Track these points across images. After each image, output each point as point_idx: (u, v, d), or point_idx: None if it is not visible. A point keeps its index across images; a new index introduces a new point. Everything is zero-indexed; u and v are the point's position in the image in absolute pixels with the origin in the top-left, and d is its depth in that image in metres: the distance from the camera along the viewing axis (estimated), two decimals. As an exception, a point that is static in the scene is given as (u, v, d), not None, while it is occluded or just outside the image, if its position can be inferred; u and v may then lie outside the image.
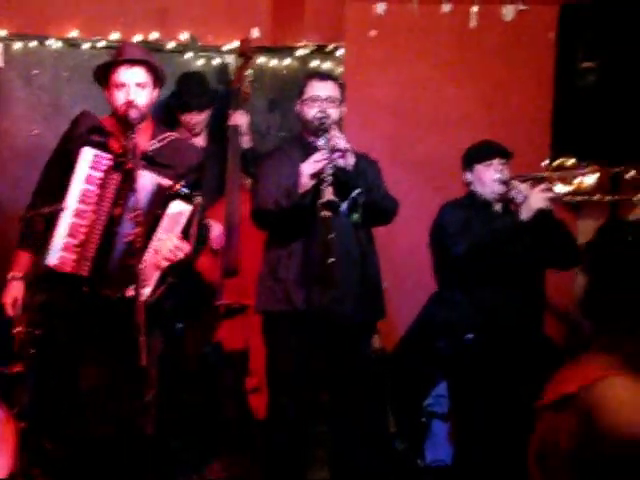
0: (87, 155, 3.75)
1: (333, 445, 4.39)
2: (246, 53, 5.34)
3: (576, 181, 4.51)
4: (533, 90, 5.48)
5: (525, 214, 4.27)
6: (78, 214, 3.76)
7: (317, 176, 3.98)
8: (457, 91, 5.58)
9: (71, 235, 3.76)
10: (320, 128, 4.12)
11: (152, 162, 3.84)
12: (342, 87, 4.34)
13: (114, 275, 3.77)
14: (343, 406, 4.33)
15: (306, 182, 4.02)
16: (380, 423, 3.80)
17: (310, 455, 4.64)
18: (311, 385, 4.33)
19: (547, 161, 4.52)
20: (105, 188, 3.76)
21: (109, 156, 3.76)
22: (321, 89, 4.26)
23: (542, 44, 5.39)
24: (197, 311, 5.02)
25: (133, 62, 3.83)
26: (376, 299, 4.33)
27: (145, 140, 3.90)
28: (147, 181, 3.73)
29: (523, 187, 4.37)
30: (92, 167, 3.75)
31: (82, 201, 3.76)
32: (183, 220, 3.77)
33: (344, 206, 4.01)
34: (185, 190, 3.77)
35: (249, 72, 5.30)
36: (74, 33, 5.39)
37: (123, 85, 3.81)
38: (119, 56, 3.87)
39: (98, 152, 3.76)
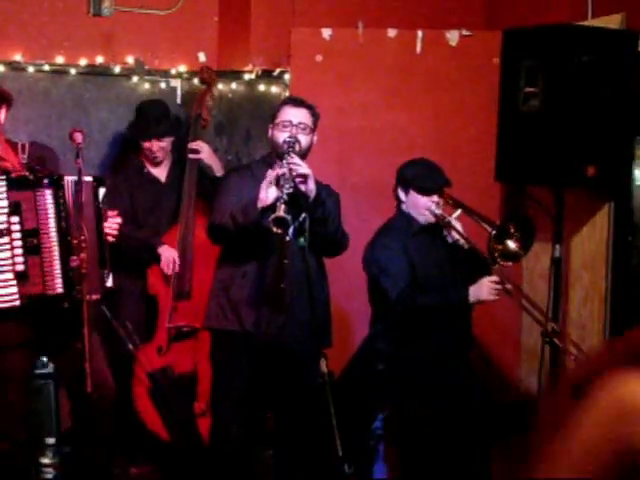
0: None
1: (278, 470, 4.38)
2: (206, 80, 5.34)
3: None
4: (478, 114, 5.54)
5: (472, 298, 4.37)
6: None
7: (276, 182, 3.97)
8: (403, 116, 5.62)
9: (4, 271, 3.86)
10: (287, 152, 4.10)
11: (34, 170, 3.95)
12: (316, 116, 4.32)
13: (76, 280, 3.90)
14: (288, 431, 4.33)
15: (264, 197, 3.99)
16: (327, 447, 3.78)
17: (258, 478, 4.64)
18: (256, 407, 4.33)
19: (494, 233, 4.45)
20: (35, 210, 3.86)
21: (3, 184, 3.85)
22: (293, 115, 4.25)
23: (487, 69, 5.45)
24: (151, 332, 5.08)
25: None
26: (323, 326, 4.33)
27: (13, 156, 4.01)
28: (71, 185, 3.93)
29: (455, 234, 4.47)
30: None
31: None
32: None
33: (291, 230, 4.01)
34: (102, 177, 4.10)
35: (210, 99, 5.31)
36: (18, 56, 5.36)
37: None
38: None
39: None
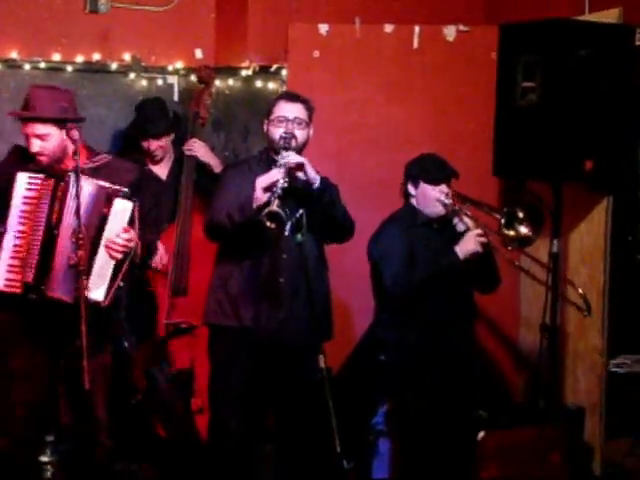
0: (22, 179, 3.94)
1: (279, 466, 4.39)
2: (204, 79, 5.34)
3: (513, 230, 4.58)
4: (476, 109, 5.53)
5: (460, 254, 4.47)
6: (19, 236, 3.93)
7: (270, 189, 3.96)
8: (401, 111, 5.61)
9: (14, 257, 3.92)
10: (283, 148, 4.10)
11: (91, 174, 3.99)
12: (311, 109, 4.30)
13: (60, 277, 3.89)
14: (287, 426, 4.33)
15: (260, 196, 3.99)
16: (326, 443, 3.78)
17: (258, 474, 4.64)
18: (255, 402, 4.32)
19: (503, 220, 4.51)
20: (39, 201, 3.94)
21: (42, 176, 3.95)
22: (288, 110, 4.23)
23: (484, 64, 5.44)
24: (148, 329, 5.08)
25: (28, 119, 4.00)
26: (323, 318, 4.33)
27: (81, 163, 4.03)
28: (89, 185, 3.91)
29: (467, 219, 4.54)
30: (28, 189, 3.95)
31: (21, 223, 3.94)
32: (127, 216, 3.95)
33: (288, 226, 4.00)
34: (125, 190, 3.97)
35: (208, 98, 5.30)
36: (14, 54, 5.36)
37: (28, 136, 4.01)
38: (25, 106, 4.03)
39: (32, 174, 3.96)
